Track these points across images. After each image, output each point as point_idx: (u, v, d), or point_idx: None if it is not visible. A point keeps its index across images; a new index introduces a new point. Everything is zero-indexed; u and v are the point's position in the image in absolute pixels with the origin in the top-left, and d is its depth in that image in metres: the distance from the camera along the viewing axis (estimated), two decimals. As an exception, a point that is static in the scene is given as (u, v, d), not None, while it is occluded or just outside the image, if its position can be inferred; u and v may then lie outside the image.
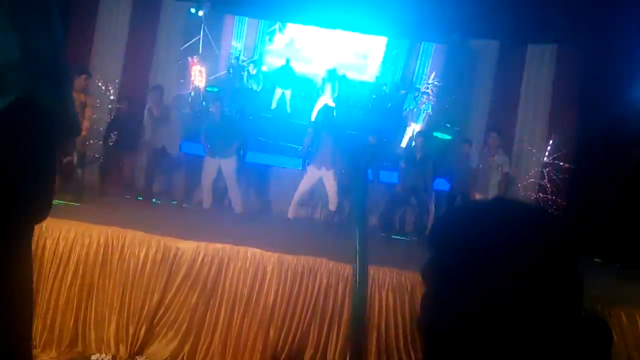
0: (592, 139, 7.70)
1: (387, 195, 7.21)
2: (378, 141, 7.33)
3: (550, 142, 8.43)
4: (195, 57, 9.88)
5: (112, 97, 8.12)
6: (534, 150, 8.50)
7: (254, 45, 10.85)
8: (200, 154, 7.45)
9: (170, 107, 7.00)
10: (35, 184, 0.71)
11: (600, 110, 7.64)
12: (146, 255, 4.58)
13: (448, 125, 9.24)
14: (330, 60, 10.58)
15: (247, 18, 10.53)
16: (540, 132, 8.60)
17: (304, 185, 6.65)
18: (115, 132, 6.91)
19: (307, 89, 10.76)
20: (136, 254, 4.58)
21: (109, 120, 7.35)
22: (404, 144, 9.44)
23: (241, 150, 6.99)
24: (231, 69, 10.56)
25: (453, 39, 8.96)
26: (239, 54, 10.75)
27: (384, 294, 4.57)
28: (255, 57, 10.88)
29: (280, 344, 4.50)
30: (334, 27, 9.88)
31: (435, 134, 8.88)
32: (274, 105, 10.42)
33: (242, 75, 10.59)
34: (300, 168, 6.80)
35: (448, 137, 9.01)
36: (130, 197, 7.03)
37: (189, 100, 9.60)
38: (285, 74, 10.53)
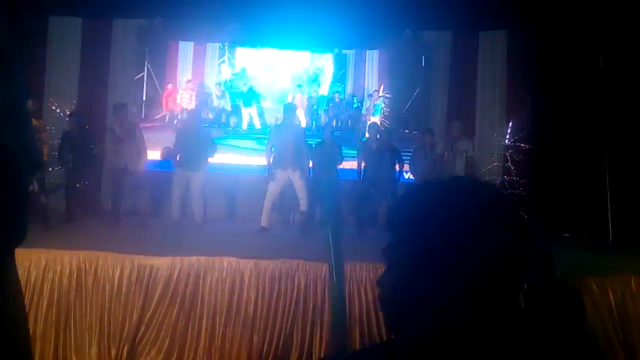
0: (549, 118, 7.92)
1: (352, 191, 7.29)
2: (339, 139, 7.42)
3: (510, 125, 8.64)
4: (188, 82, 10.24)
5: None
6: (495, 135, 8.69)
7: (203, 73, 10.94)
8: (164, 169, 7.40)
9: (133, 125, 6.90)
10: (9, 212, 0.75)
11: (553, 90, 7.87)
12: (121, 276, 4.53)
13: (407, 131, 9.41)
14: (285, 81, 10.91)
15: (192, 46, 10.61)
16: (499, 116, 8.81)
17: (273, 190, 6.62)
18: (69, 154, 6.76)
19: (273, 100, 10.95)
20: (111, 275, 4.53)
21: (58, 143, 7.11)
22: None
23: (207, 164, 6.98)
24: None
25: (405, 34, 9.11)
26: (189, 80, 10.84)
27: (362, 289, 4.62)
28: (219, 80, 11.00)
29: (264, 350, 4.50)
30: (278, 47, 10.28)
31: None
32: (244, 127, 10.60)
33: (208, 101, 10.72)
34: (266, 174, 6.75)
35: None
36: (98, 219, 6.92)
37: (176, 120, 9.71)
38: (250, 96, 10.78)
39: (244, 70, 10.92)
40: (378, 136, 7.27)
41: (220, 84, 10.80)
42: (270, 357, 4.50)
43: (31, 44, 7.98)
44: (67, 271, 4.53)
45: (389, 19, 8.50)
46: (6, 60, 0.77)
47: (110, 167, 6.74)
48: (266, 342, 4.49)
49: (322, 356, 4.47)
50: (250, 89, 10.81)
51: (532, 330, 0.77)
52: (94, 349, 4.50)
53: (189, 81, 10.43)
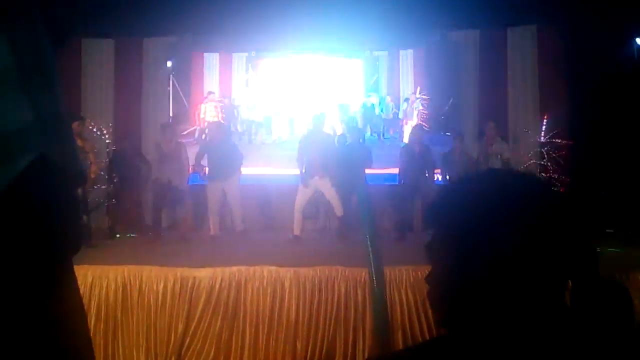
0: (585, 111, 7.76)
1: (391, 195, 7.25)
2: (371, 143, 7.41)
3: (544, 121, 8.49)
4: (210, 94, 10.24)
5: (107, 141, 8.21)
6: (529, 132, 8.56)
7: (230, 84, 10.92)
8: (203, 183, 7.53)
9: (180, 144, 7.06)
10: (60, 220, 0.79)
11: (588, 82, 7.71)
12: (165, 289, 4.62)
13: (448, 134, 9.30)
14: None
15: (218, 57, 10.61)
16: (532, 113, 8.67)
17: (301, 198, 6.64)
18: (114, 174, 6.97)
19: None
20: (155, 288, 4.63)
21: (107, 162, 7.40)
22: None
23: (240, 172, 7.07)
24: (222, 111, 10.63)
25: (434, 36, 9.07)
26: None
27: (403, 293, 4.60)
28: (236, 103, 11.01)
29: (308, 357, 4.53)
30: (306, 53, 10.22)
31: None
32: (274, 137, 10.61)
33: (235, 112, 10.72)
34: (300, 183, 6.74)
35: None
36: (140, 234, 7.07)
37: (204, 135, 9.80)
38: (278, 105, 10.79)
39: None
40: (423, 135, 7.24)
41: (253, 95, 10.80)
42: (314, 364, 4.53)
43: (65, 67, 8.24)
44: (113, 286, 4.64)
45: (418, 19, 8.46)
46: (47, 69, 0.81)
47: (154, 183, 6.89)
48: (309, 349, 4.51)
49: (366, 361, 4.47)
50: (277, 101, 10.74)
51: (579, 328, 0.77)
52: (142, 362, 4.60)
53: (210, 93, 10.36)
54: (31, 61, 0.76)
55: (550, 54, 8.42)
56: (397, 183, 7.17)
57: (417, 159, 6.88)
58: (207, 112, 10.12)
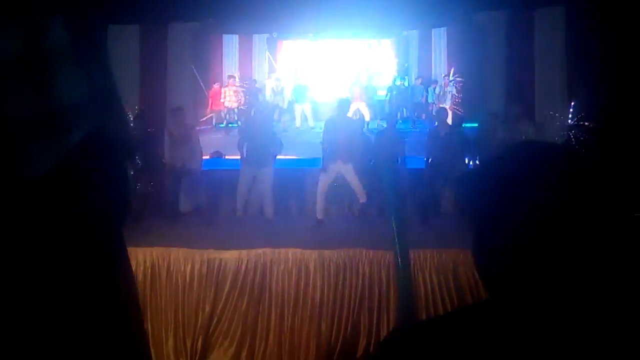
0: (614, 94, 7.60)
1: (418, 178, 7.21)
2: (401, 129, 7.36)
3: (572, 103, 8.34)
4: (230, 78, 10.05)
5: (131, 125, 8.30)
6: (556, 115, 8.41)
7: (251, 67, 10.64)
8: (223, 168, 7.60)
9: (191, 127, 7.12)
10: (116, 191, 0.83)
11: (616, 64, 7.53)
12: (192, 270, 4.72)
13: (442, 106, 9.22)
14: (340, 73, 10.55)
15: (237, 39, 10.33)
16: (560, 95, 8.51)
17: (323, 182, 6.64)
18: (137, 157, 7.04)
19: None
20: (182, 270, 4.72)
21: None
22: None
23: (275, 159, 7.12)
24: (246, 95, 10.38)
25: (460, 15, 8.93)
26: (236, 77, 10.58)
27: (427, 275, 4.62)
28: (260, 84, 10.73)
29: (333, 337, 4.59)
30: (332, 37, 9.97)
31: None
32: (298, 124, 10.28)
33: (259, 97, 10.40)
34: (320, 167, 6.74)
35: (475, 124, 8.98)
36: (164, 217, 7.15)
37: (223, 118, 9.71)
38: (301, 90, 10.40)
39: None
40: (449, 122, 7.17)
41: (279, 79, 10.45)
42: (338, 344, 4.59)
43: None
44: (142, 268, 4.75)
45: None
46: (99, 45, 0.84)
47: (168, 167, 6.98)
48: (334, 330, 4.57)
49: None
50: (300, 85, 10.46)
51: (606, 320, 0.77)
52: (170, 342, 4.71)
53: (230, 77, 10.13)
54: (85, 38, 0.80)
55: (579, 35, 8.22)
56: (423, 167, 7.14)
57: (443, 141, 6.82)
58: (227, 98, 9.99)
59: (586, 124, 8.18)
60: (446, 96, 9.66)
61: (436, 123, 7.36)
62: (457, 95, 9.74)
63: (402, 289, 4.46)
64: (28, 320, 0.74)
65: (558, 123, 8.40)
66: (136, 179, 7.12)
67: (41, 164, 0.71)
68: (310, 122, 10.22)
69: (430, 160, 6.96)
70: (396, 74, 10.66)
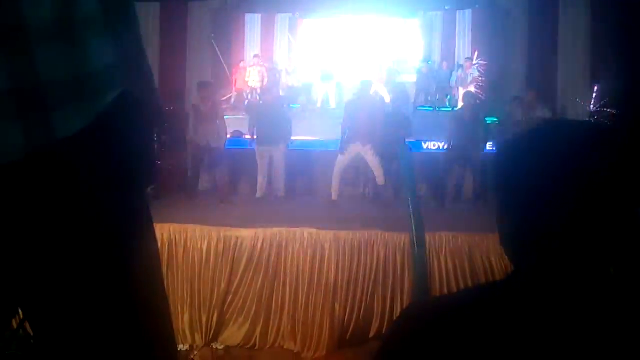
0: (639, 80, 7.44)
1: (435, 162, 7.18)
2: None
3: (595, 89, 8.19)
4: (256, 57, 9.92)
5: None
6: (578, 100, 8.28)
7: (273, 47, 10.39)
8: (243, 147, 7.61)
9: (217, 103, 7.11)
10: (143, 155, 0.84)
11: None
12: (209, 247, 4.77)
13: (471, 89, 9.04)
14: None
15: (259, 18, 10.18)
16: (582, 81, 8.37)
17: (340, 163, 6.62)
18: (160, 136, 7.08)
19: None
20: (199, 246, 4.78)
21: None
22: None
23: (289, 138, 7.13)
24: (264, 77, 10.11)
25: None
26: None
27: (442, 259, 4.62)
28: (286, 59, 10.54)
29: (346, 318, 4.62)
30: (354, 13, 9.63)
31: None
32: (319, 104, 10.02)
33: (277, 77, 10.23)
34: (338, 149, 6.71)
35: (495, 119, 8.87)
36: (184, 195, 7.22)
37: (245, 98, 9.70)
38: (326, 70, 10.14)
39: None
40: (476, 101, 7.05)
41: (292, 59, 10.29)
42: (352, 325, 4.62)
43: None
44: (159, 243, 4.76)
45: None
46: (128, 10, 0.86)
47: (191, 144, 6.99)
48: (348, 310, 4.60)
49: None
50: (325, 65, 10.14)
51: (625, 299, 0.77)
52: (186, 317, 4.79)
53: (256, 56, 9.96)
54: (116, 4, 0.81)
55: (605, 19, 8.05)
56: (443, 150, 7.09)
57: (466, 125, 6.74)
58: (251, 77, 9.86)
59: (609, 110, 8.04)
60: (467, 79, 9.42)
61: (460, 105, 7.23)
62: (479, 78, 9.52)
63: (417, 272, 4.47)
64: (51, 281, 0.76)
65: (580, 110, 8.28)
66: (157, 155, 7.17)
67: (72, 125, 0.73)
68: (332, 104, 10.02)
69: (452, 143, 6.90)
70: (422, 57, 10.35)
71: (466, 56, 9.86)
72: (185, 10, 9.10)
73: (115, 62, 0.79)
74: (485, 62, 9.50)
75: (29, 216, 0.73)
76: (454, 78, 9.65)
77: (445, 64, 10.18)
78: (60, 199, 0.74)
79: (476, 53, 9.67)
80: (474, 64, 9.56)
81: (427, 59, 10.26)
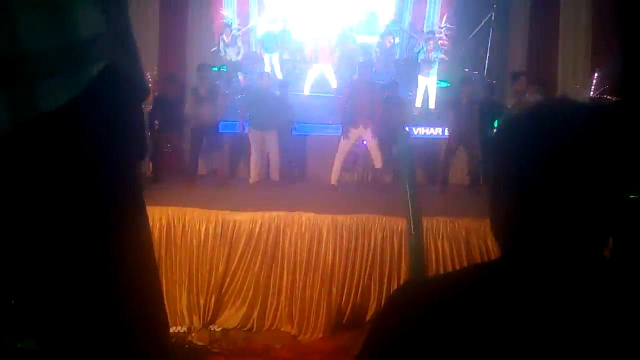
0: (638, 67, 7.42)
1: (431, 147, 7.19)
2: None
3: (595, 76, 8.17)
4: (226, 28, 9.20)
5: (150, 85, 8.29)
6: (577, 86, 8.26)
7: (248, 12, 9.52)
8: (238, 132, 7.61)
9: (216, 86, 7.10)
10: (131, 130, 0.84)
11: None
12: (207, 230, 4.79)
13: (466, 70, 8.90)
14: (334, 22, 9.37)
15: None
16: (583, 67, 8.33)
17: (343, 147, 6.63)
18: (156, 120, 7.04)
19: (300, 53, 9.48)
20: (197, 229, 4.79)
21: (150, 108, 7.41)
22: (418, 102, 8.63)
23: (292, 124, 7.11)
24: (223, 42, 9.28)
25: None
26: (231, 23, 9.54)
27: (439, 244, 4.65)
28: (250, 25, 9.71)
29: (343, 301, 4.67)
30: None
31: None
32: (306, 91, 9.11)
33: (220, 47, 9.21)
34: (340, 134, 6.70)
35: (447, 83, 8.70)
36: (182, 179, 7.21)
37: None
38: (282, 39, 9.27)
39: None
40: (472, 86, 6.96)
41: (229, 25, 9.24)
42: (349, 308, 4.66)
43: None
44: (158, 226, 4.82)
45: None
46: None
47: (191, 127, 6.98)
48: (344, 293, 4.64)
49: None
50: (285, 30, 9.18)
51: (619, 280, 0.78)
52: (184, 299, 4.82)
53: (226, 26, 9.17)
54: None
55: (607, 5, 7.99)
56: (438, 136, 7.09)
57: (464, 110, 6.72)
58: (226, 51, 9.01)
59: (608, 97, 8.02)
60: (433, 63, 8.56)
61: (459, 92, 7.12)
62: (444, 43, 9.13)
63: (414, 256, 4.49)
64: (37, 265, 0.76)
65: (579, 96, 8.25)
66: (154, 139, 7.15)
67: (57, 97, 0.72)
68: (278, 74, 9.14)
69: (450, 128, 6.90)
70: (389, 28, 9.42)
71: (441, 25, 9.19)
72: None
73: (101, 34, 0.78)
74: (452, 26, 9.10)
75: (12, 193, 0.72)
76: (421, 54, 8.72)
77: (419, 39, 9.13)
78: (45, 175, 0.73)
79: (445, 16, 9.19)
80: (441, 27, 9.09)
81: (391, 32, 9.29)
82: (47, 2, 0.71)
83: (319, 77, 8.91)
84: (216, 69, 8.63)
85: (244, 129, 7.06)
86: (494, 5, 8.73)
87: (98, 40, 0.77)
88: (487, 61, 8.98)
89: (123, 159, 0.82)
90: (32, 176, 0.73)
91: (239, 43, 9.18)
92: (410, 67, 8.88)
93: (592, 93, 8.18)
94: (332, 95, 8.48)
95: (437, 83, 8.67)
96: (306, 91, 8.87)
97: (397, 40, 9.44)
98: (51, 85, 0.71)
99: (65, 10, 0.73)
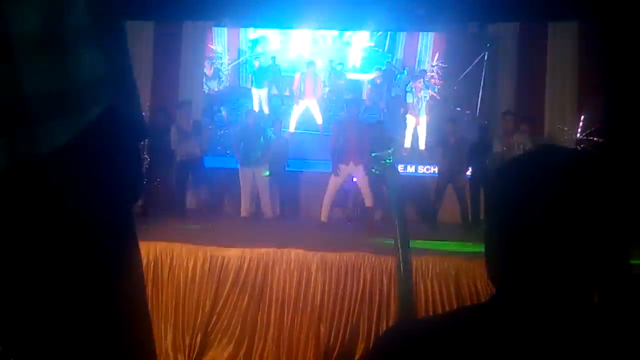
0: (624, 111, 7.57)
1: (421, 186, 7.22)
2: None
3: (582, 118, 8.32)
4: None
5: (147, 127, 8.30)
6: (565, 129, 8.40)
7: (238, 47, 9.57)
8: (225, 167, 7.63)
9: (197, 121, 7.20)
10: (128, 172, 0.84)
11: (629, 81, 7.51)
12: (194, 266, 4.74)
13: (458, 109, 9.04)
14: (307, 52, 9.39)
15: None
16: (570, 109, 8.49)
17: (333, 184, 6.65)
18: (146, 154, 7.06)
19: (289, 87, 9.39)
20: (185, 265, 4.74)
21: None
22: (407, 142, 8.64)
23: (285, 162, 7.15)
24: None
25: (470, 27, 8.84)
26: (221, 56, 9.62)
27: (428, 283, 4.62)
28: (241, 59, 9.67)
29: (331, 340, 4.59)
30: (317, 29, 9.07)
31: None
32: (256, 109, 9.02)
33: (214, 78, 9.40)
34: (330, 171, 6.72)
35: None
36: (170, 213, 7.19)
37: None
38: (272, 74, 9.31)
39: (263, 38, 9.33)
40: (459, 125, 7.03)
41: (212, 60, 9.35)
42: (337, 347, 4.59)
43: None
44: (145, 262, 4.76)
45: (452, 8, 8.16)
46: (118, 27, 0.86)
47: (178, 162, 7.02)
48: (333, 332, 4.57)
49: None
50: (274, 63, 9.18)
51: (607, 326, 0.78)
52: (169, 337, 4.73)
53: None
54: (105, 19, 0.82)
55: (592, 51, 8.21)
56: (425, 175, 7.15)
57: (453, 149, 6.80)
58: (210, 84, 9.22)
59: (595, 139, 8.16)
60: (421, 103, 8.59)
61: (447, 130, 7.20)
62: (436, 82, 9.11)
63: (403, 295, 4.45)
64: (32, 303, 0.75)
65: (567, 137, 8.38)
66: (143, 171, 7.14)
67: (56, 139, 0.73)
68: (265, 109, 9.18)
69: (439, 167, 6.97)
70: (380, 60, 9.45)
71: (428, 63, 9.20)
72: (179, 29, 9.14)
73: (102, 76, 0.79)
74: (445, 65, 9.13)
75: (11, 230, 0.73)
76: (409, 93, 8.75)
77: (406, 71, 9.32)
78: (42, 214, 0.74)
79: (437, 54, 9.21)
80: (433, 66, 9.11)
81: (379, 67, 9.33)
82: (49, 46, 0.72)
83: (304, 113, 8.88)
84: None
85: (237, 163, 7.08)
86: (488, 45, 8.89)
87: (98, 83, 0.79)
88: (479, 100, 9.11)
89: (119, 200, 0.83)
90: (28, 216, 0.73)
91: (222, 76, 9.32)
92: (399, 106, 8.97)
93: (579, 134, 8.33)
94: (318, 132, 8.55)
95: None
96: (291, 128, 8.89)
97: (385, 76, 9.40)
98: (51, 127, 0.73)
99: (66, 53, 0.74)
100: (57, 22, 0.73)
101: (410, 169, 8.22)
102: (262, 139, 7.00)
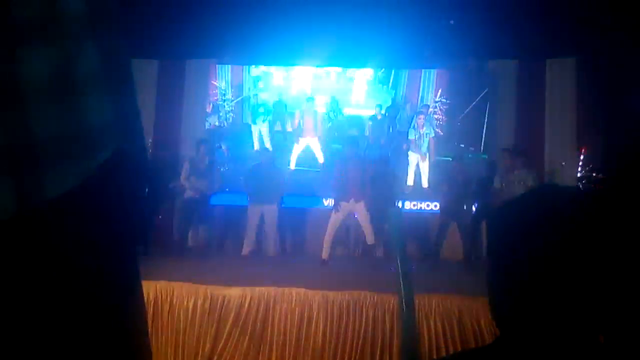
0: (625, 145, 7.60)
1: (424, 223, 7.19)
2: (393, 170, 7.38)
3: (582, 154, 8.34)
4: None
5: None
6: (564, 164, 8.41)
7: (240, 83, 9.70)
8: (225, 204, 7.62)
9: (213, 161, 7.22)
10: (135, 216, 0.85)
11: (628, 116, 7.57)
12: (195, 305, 4.69)
13: (462, 146, 9.11)
14: (310, 88, 9.49)
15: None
16: (570, 146, 8.52)
17: (334, 221, 6.63)
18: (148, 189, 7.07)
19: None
20: (185, 305, 4.70)
21: None
22: (410, 180, 8.58)
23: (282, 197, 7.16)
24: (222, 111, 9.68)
25: (469, 63, 8.96)
26: (225, 92, 9.73)
27: (431, 322, 4.56)
28: (246, 95, 9.79)
29: (334, 381, 4.51)
30: (320, 66, 9.22)
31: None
32: (256, 146, 9.20)
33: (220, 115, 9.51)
34: (332, 207, 6.73)
35: (484, 155, 8.85)
36: (171, 251, 7.14)
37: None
38: (277, 110, 9.40)
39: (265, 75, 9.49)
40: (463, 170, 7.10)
41: (210, 98, 9.45)
42: (339, 389, 4.50)
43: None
44: (145, 300, 4.71)
45: (452, 45, 8.28)
46: (127, 72, 0.88)
47: (185, 199, 6.99)
48: (335, 373, 4.49)
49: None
50: (280, 100, 9.32)
51: None
52: (169, 377, 4.65)
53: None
54: (114, 65, 0.84)
55: (591, 87, 8.29)
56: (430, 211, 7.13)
57: (455, 186, 6.79)
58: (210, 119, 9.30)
59: (595, 175, 8.17)
60: (422, 141, 8.51)
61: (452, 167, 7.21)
62: (440, 117, 9.23)
63: (406, 334, 4.39)
64: (38, 339, 0.75)
65: (567, 174, 8.38)
66: (149, 214, 7.14)
67: (63, 183, 0.74)
68: (268, 144, 9.18)
69: (442, 204, 6.95)
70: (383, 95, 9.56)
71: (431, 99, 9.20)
72: (182, 68, 9.27)
73: (110, 120, 0.81)
74: (448, 101, 9.19)
75: (17, 274, 0.73)
76: (411, 130, 8.64)
77: (408, 105, 9.41)
78: (48, 259, 0.74)
79: (440, 91, 9.29)
80: (436, 101, 9.17)
81: (379, 104, 9.35)
82: (59, 90, 0.74)
83: (305, 150, 8.88)
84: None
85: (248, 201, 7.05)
86: (491, 80, 9.01)
87: (107, 128, 0.80)
88: (483, 137, 9.17)
89: (124, 245, 0.83)
90: (34, 261, 0.74)
91: (222, 111, 9.41)
92: (402, 142, 8.97)
93: (579, 169, 8.34)
94: (319, 170, 8.57)
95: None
96: (292, 165, 8.89)
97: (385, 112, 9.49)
98: (59, 171, 0.74)
99: (76, 98, 0.76)
100: (68, 68, 0.75)
101: (413, 206, 8.20)
102: (275, 177, 7.01)
